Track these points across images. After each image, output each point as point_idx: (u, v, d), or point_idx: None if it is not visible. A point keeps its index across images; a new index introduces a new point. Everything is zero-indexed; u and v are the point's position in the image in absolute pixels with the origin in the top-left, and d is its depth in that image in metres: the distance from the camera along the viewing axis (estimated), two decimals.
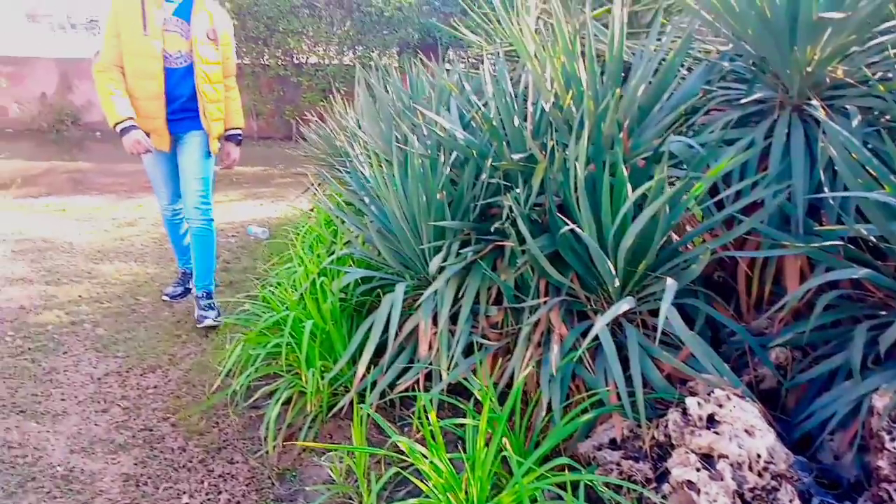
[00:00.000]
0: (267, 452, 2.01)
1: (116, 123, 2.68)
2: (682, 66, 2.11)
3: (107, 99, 2.68)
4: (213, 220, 2.96)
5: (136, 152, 2.74)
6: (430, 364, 2.04)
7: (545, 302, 1.91)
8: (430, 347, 2.07)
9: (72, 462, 1.99)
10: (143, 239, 4.22)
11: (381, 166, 2.22)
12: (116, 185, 5.82)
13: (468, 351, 2.03)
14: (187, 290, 3.22)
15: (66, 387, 2.39)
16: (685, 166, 1.88)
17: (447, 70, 3.07)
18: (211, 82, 2.82)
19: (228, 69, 2.96)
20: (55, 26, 17.03)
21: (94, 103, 7.76)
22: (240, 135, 3.06)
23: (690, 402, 1.52)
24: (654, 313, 1.82)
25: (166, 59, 2.70)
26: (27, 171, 6.32)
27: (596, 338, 1.68)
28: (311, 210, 4.27)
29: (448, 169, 2.16)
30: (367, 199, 2.42)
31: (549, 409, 1.74)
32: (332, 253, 2.59)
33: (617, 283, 1.77)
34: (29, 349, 2.65)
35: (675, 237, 1.95)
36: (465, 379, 1.95)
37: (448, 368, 1.97)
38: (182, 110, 2.80)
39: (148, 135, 2.76)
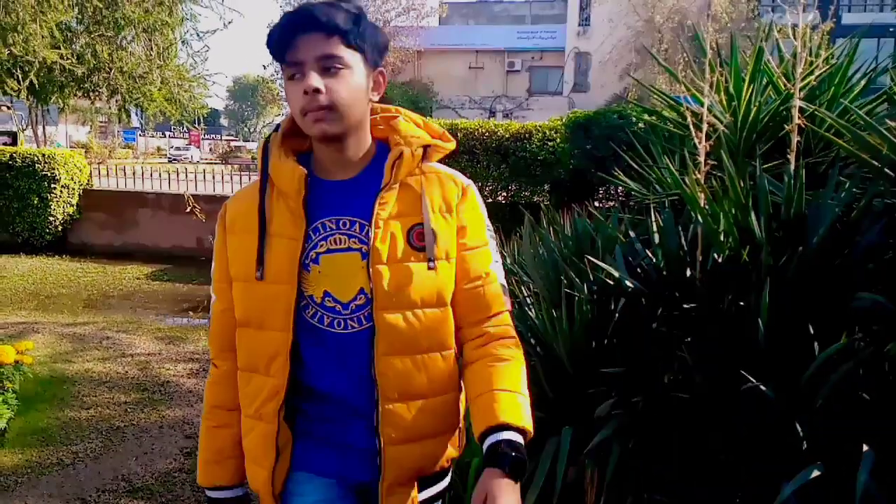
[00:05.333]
0: None
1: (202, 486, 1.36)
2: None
3: (203, 429, 1.34)
4: None
5: None
6: None
7: (723, 459, 1.83)
8: (597, 499, 2.03)
9: None
10: None
11: (550, 310, 2.31)
12: None
13: None
14: None
15: None
16: (875, 325, 1.79)
17: (608, 214, 3.18)
18: (410, 352, 1.20)
19: (481, 305, 1.25)
20: (244, 167, 19.54)
21: None
22: (515, 448, 1.11)
23: None
24: (849, 476, 1.69)
25: (323, 316, 1.19)
26: None
27: None
28: None
29: (615, 315, 2.21)
30: (532, 341, 2.50)
31: None
32: None
33: (804, 447, 1.68)
34: None
35: (867, 397, 1.83)
36: None
37: None
38: (358, 431, 1.23)
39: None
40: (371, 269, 1.16)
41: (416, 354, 1.20)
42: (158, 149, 38.25)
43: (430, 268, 1.19)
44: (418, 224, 1.20)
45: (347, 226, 1.20)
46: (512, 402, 1.17)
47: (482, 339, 1.25)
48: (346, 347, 1.19)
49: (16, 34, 8.01)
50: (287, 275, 1.17)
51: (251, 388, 1.23)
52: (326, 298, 1.18)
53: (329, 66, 1.12)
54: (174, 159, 30.73)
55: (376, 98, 1.23)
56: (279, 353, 1.18)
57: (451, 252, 1.23)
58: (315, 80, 1.11)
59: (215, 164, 24.83)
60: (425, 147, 1.24)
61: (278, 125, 1.27)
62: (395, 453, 1.21)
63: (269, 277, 1.17)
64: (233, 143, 41.10)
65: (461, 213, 1.25)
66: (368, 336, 1.18)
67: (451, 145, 1.28)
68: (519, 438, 1.14)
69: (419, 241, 1.20)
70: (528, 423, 1.16)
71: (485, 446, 1.15)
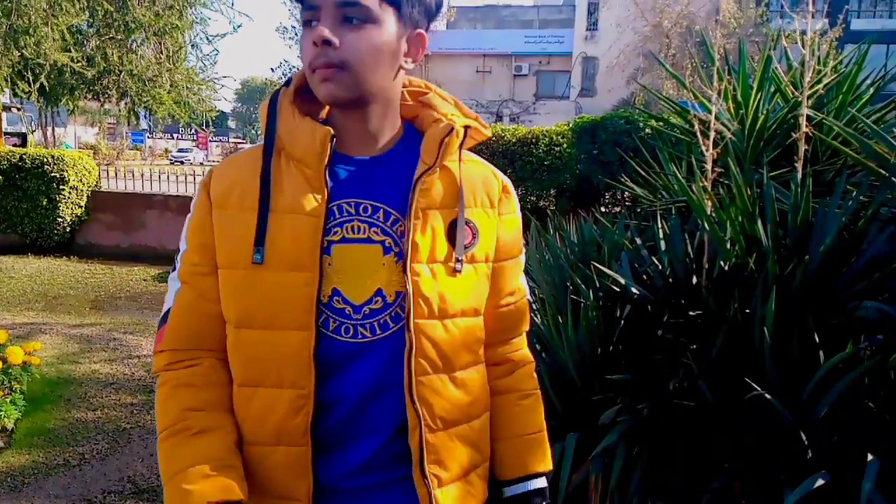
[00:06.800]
0: None
1: None
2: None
3: (171, 446, 0.96)
4: None
5: None
6: None
7: (727, 467, 1.83)
8: None
9: None
10: None
11: (556, 316, 2.32)
12: None
13: None
14: None
15: None
16: (880, 334, 1.79)
17: (614, 220, 3.18)
18: (449, 370, 1.01)
19: (510, 325, 1.15)
20: None
21: None
22: (543, 495, 1.13)
23: None
24: (853, 485, 1.69)
25: (329, 319, 0.97)
26: None
27: None
28: None
29: (621, 322, 2.21)
30: (538, 347, 2.50)
31: None
32: None
33: (809, 455, 1.67)
34: None
35: (872, 406, 1.83)
36: None
37: None
38: (376, 462, 1.00)
39: None
40: (408, 269, 0.96)
41: (456, 371, 1.02)
42: (166, 150, 38.43)
43: (455, 269, 0.99)
44: (466, 226, 1.02)
45: (369, 212, 0.98)
46: (540, 445, 1.14)
47: (506, 367, 1.15)
48: (355, 361, 0.97)
49: (28, 37, 8.10)
50: (308, 259, 0.94)
51: (257, 406, 0.97)
52: (335, 298, 0.96)
53: (350, 16, 0.91)
54: (177, 161, 30.73)
55: (411, 65, 1.01)
56: (299, 356, 0.94)
57: (490, 254, 1.06)
58: (327, 30, 0.91)
59: None
60: (465, 129, 1.03)
61: (289, 79, 1.03)
62: (446, 500, 1.01)
63: (281, 263, 0.95)
64: (239, 145, 41.29)
65: (502, 214, 1.09)
66: (385, 349, 0.97)
67: (489, 132, 1.08)
68: (545, 483, 1.13)
69: (466, 239, 1.02)
70: (550, 462, 1.15)
71: (512, 492, 1.12)
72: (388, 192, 0.99)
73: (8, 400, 3.44)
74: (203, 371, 1.00)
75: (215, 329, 1.00)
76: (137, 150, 34.63)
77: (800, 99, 2.22)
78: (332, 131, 0.96)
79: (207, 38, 10.91)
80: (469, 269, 1.02)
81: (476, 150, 1.14)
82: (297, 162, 0.98)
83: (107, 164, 12.37)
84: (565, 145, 7.73)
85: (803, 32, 2.31)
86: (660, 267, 2.28)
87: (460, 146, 1.03)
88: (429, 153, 1.00)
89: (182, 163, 28.61)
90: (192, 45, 10.61)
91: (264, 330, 0.96)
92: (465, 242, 1.01)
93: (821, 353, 1.68)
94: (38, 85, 9.18)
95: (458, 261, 1.00)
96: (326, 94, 0.94)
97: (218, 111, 11.97)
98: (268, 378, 0.96)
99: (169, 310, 1.03)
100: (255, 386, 0.98)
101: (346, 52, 0.91)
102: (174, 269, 1.05)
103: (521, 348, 1.18)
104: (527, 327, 1.18)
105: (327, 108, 1.03)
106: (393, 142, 1.03)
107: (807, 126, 2.18)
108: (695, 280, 2.13)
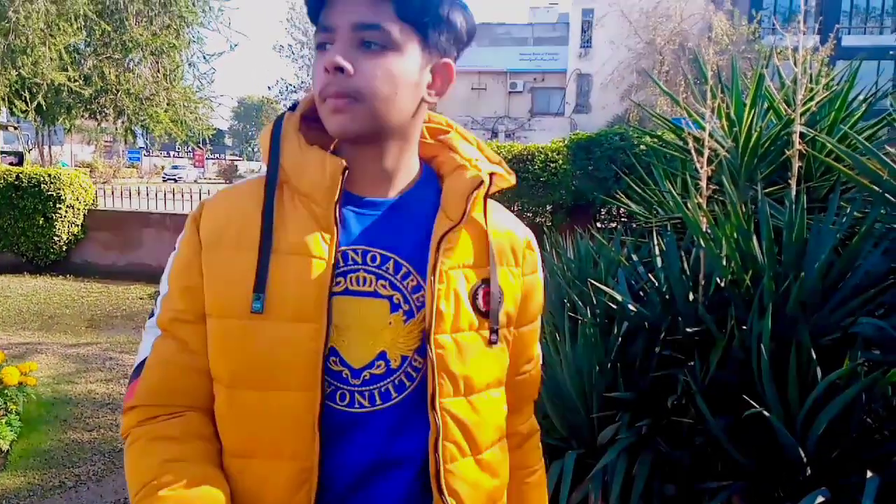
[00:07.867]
0: None
1: None
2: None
3: (151, 497, 0.76)
4: None
5: None
6: None
7: (727, 485, 1.83)
8: None
9: None
10: None
11: (553, 333, 2.32)
12: None
13: None
14: None
15: None
16: (877, 350, 1.80)
17: (610, 236, 3.19)
18: (478, 450, 0.90)
19: (524, 394, 1.06)
20: None
21: None
22: None
23: None
24: (853, 501, 1.69)
25: (331, 388, 0.84)
26: None
27: None
28: None
29: (619, 339, 2.21)
30: None
31: None
32: None
33: (808, 472, 1.67)
34: None
35: (870, 422, 1.83)
36: None
37: None
38: None
39: None
40: (432, 341, 0.84)
41: (482, 453, 0.91)
42: (161, 168, 38.52)
43: (491, 341, 0.89)
44: (485, 280, 0.90)
45: (377, 262, 0.86)
46: None
47: (516, 439, 1.04)
48: (350, 434, 0.84)
49: (25, 56, 8.15)
50: (314, 308, 0.81)
51: (252, 481, 0.83)
52: (332, 358, 0.83)
53: (368, 41, 0.81)
54: (170, 178, 30.67)
55: (435, 99, 0.90)
56: (301, 422, 0.81)
57: (513, 318, 0.95)
58: (340, 55, 0.80)
59: (219, 182, 24.92)
60: (490, 176, 0.91)
61: (295, 103, 0.92)
62: None
63: (283, 313, 0.81)
64: (235, 162, 41.52)
65: (525, 273, 0.97)
66: (385, 422, 0.85)
67: (513, 178, 0.96)
68: None
69: (486, 303, 0.89)
70: None
71: None
72: (400, 241, 0.88)
73: (3, 421, 3.42)
74: (184, 422, 0.85)
75: (199, 384, 0.86)
76: (134, 167, 34.69)
77: (793, 116, 2.24)
78: (344, 163, 0.84)
79: (204, 57, 10.99)
80: (495, 336, 0.90)
81: None
82: (303, 197, 0.85)
83: (103, 183, 12.39)
84: (561, 162, 7.77)
85: (795, 49, 2.34)
86: (656, 284, 2.29)
87: (485, 195, 0.92)
88: (454, 207, 0.88)
89: (175, 180, 28.52)
90: (189, 64, 10.69)
91: (262, 391, 0.83)
92: (496, 304, 0.90)
93: (818, 369, 1.69)
94: (35, 104, 9.22)
95: (493, 331, 0.89)
96: (337, 126, 0.83)
97: (215, 129, 12.01)
98: (264, 447, 0.83)
99: (144, 360, 0.87)
100: (248, 457, 0.84)
101: (361, 80, 0.81)
102: (152, 315, 0.91)
103: (530, 417, 1.09)
104: (536, 396, 1.09)
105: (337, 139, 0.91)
106: (410, 185, 0.92)
107: (800, 143, 2.20)
108: (691, 297, 2.13)
